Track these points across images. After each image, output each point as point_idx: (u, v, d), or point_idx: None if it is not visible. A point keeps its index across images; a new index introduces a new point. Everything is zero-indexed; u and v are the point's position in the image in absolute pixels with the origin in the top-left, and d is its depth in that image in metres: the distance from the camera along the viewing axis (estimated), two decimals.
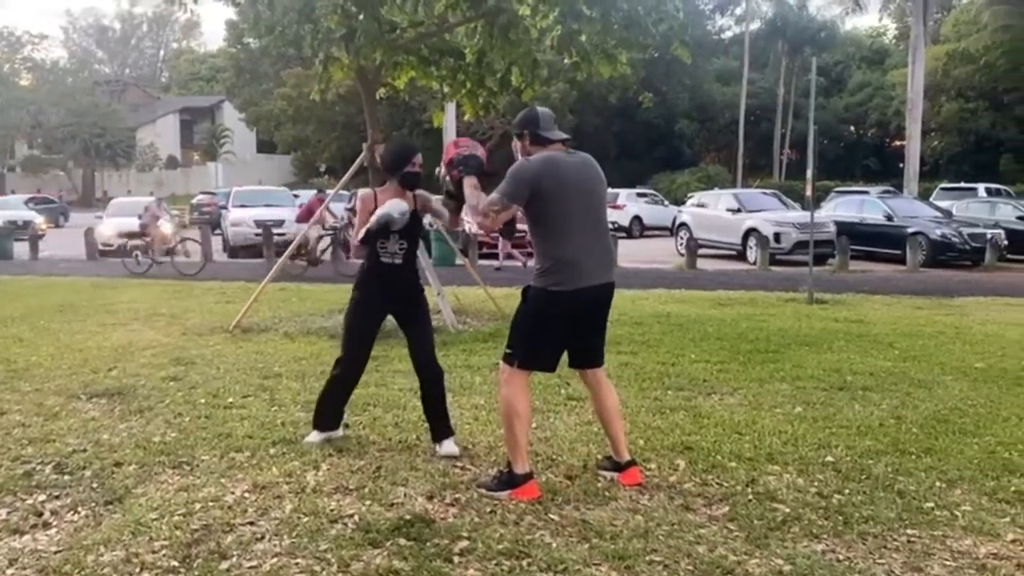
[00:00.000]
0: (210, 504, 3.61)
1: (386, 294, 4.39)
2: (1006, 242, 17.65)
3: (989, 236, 17.20)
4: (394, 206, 4.16)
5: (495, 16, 8.40)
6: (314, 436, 4.49)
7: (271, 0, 7.91)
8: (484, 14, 8.49)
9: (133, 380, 5.99)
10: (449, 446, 4.31)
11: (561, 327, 3.76)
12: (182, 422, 4.90)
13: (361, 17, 7.74)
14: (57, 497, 3.74)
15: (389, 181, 4.39)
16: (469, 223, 16.74)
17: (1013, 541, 3.29)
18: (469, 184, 3.87)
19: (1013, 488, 3.85)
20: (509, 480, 3.75)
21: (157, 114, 61.89)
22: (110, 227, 19.74)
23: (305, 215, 15.36)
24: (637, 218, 27.87)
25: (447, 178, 3.97)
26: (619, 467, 3.94)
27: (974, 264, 17.04)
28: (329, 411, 4.53)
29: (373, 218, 4.16)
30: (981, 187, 27.97)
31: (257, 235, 18.45)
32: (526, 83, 9.08)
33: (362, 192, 4.45)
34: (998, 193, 27.28)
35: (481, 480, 3.90)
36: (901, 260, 16.93)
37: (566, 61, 8.94)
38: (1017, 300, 11.35)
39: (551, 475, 4.00)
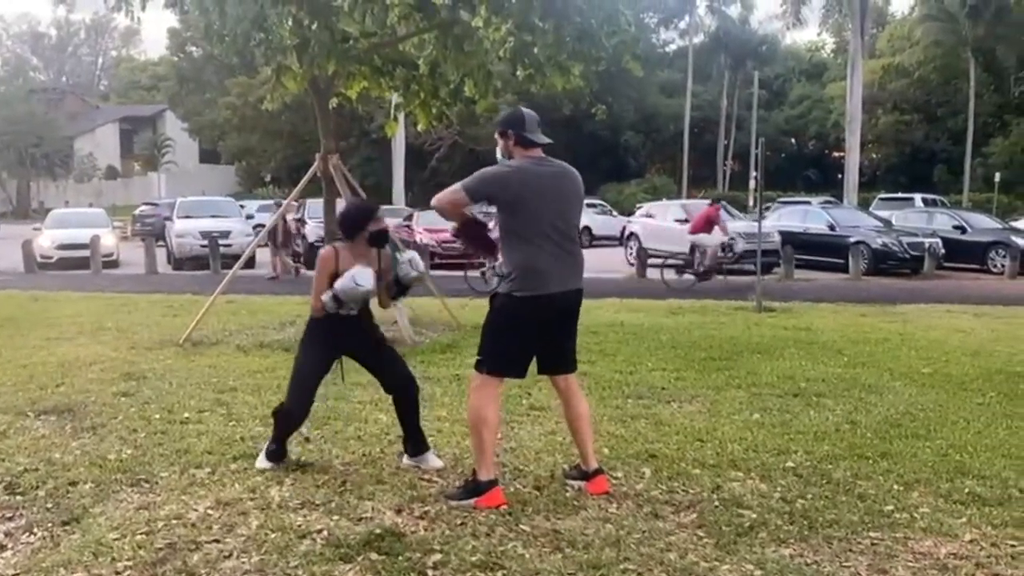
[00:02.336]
0: (173, 522, 3.52)
1: (338, 340, 4.27)
2: (943, 251, 18.20)
3: (927, 245, 17.72)
4: (361, 277, 3.99)
5: (448, 27, 8.41)
6: (262, 462, 4.29)
7: (222, 9, 7.79)
8: (437, 25, 8.50)
9: (83, 396, 5.82)
10: (433, 460, 4.29)
11: (528, 333, 3.76)
12: (137, 438, 4.78)
13: (314, 27, 7.67)
14: (10, 519, 3.61)
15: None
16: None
17: (971, 541, 3.39)
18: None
19: (967, 490, 3.97)
20: (474, 488, 3.75)
21: (96, 123, 60.43)
22: (49, 239, 19.22)
23: (702, 224, 14.81)
24: (587, 228, 28.02)
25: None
26: (586, 476, 3.95)
27: (913, 272, 17.55)
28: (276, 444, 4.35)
29: (337, 289, 4.01)
30: (918, 197, 28.88)
31: (203, 247, 18.12)
32: (479, 94, 9.10)
33: (322, 252, 4.22)
34: (934, 203, 28.18)
35: (448, 491, 3.88)
36: (844, 269, 17.34)
37: (519, 73, 8.99)
38: (957, 307, 11.72)
39: (519, 486, 4.00)
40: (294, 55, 8.16)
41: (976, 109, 38.44)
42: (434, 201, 3.80)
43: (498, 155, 3.91)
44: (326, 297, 4.05)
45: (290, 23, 7.80)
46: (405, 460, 4.30)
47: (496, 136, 3.91)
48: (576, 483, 3.96)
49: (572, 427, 4.03)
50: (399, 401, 4.32)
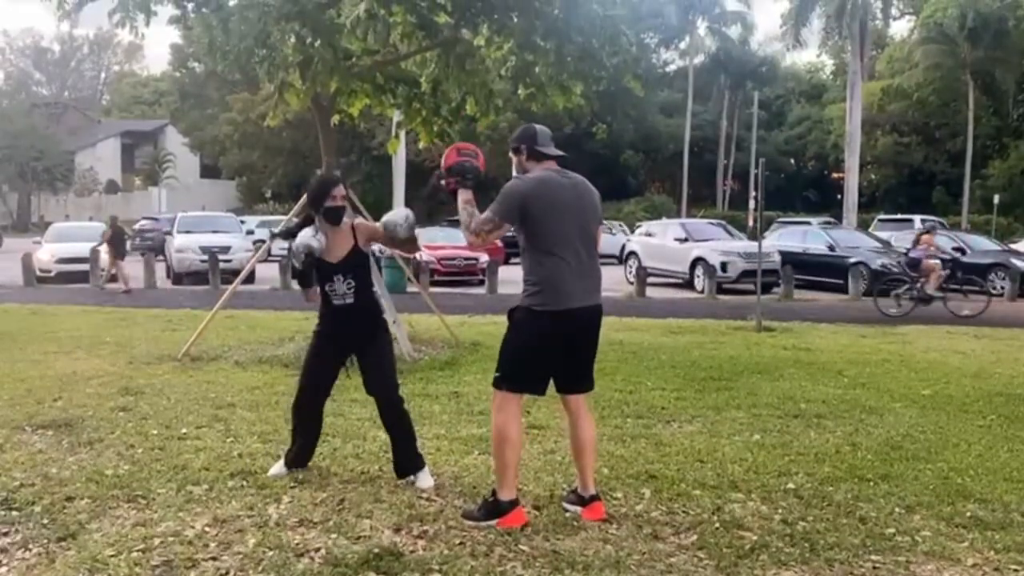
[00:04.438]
0: (170, 539, 3.50)
1: (341, 336, 4.30)
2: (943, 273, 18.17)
3: None
4: (304, 237, 4.10)
5: (451, 46, 8.45)
6: (277, 468, 4.39)
7: (226, 26, 7.82)
8: (440, 44, 8.54)
9: (80, 411, 5.80)
10: (424, 478, 4.24)
11: (548, 349, 3.70)
12: (135, 454, 4.75)
13: (317, 44, 7.71)
14: (5, 534, 3.58)
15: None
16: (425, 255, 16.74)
17: (973, 566, 3.37)
18: (463, 199, 3.79)
19: (969, 513, 3.94)
20: (495, 508, 3.68)
21: (97, 138, 60.58)
22: (48, 253, 19.22)
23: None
24: None
25: (442, 182, 3.87)
26: (583, 501, 3.88)
27: None
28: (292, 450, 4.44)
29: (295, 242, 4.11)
30: (917, 218, 28.91)
31: (203, 262, 18.13)
32: (481, 112, 9.14)
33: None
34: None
35: (466, 510, 3.82)
36: (843, 289, 17.34)
37: (520, 92, 9.03)
38: (955, 328, 11.71)
39: None
40: (297, 72, 8.21)
41: (975, 131, 38.59)
42: (471, 237, 3.71)
43: (514, 173, 3.88)
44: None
45: (293, 40, 7.84)
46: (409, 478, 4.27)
47: (510, 154, 3.88)
48: (574, 508, 3.89)
49: (574, 449, 3.96)
50: (379, 407, 4.30)
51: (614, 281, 19.96)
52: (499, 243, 23.45)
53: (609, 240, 28.53)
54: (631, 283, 18.68)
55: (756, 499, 4.11)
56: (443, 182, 3.88)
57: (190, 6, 8.09)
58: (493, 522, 3.64)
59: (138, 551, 3.36)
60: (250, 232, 24.84)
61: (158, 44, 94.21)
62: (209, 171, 57.87)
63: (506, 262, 21.20)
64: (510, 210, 3.65)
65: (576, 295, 3.68)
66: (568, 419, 3.98)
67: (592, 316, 3.81)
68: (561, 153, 3.85)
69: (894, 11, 45.80)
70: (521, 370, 3.72)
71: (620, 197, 45.26)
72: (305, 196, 4.33)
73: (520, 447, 3.87)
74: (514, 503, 3.70)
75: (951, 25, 37.57)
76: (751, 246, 15.51)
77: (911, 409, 6.23)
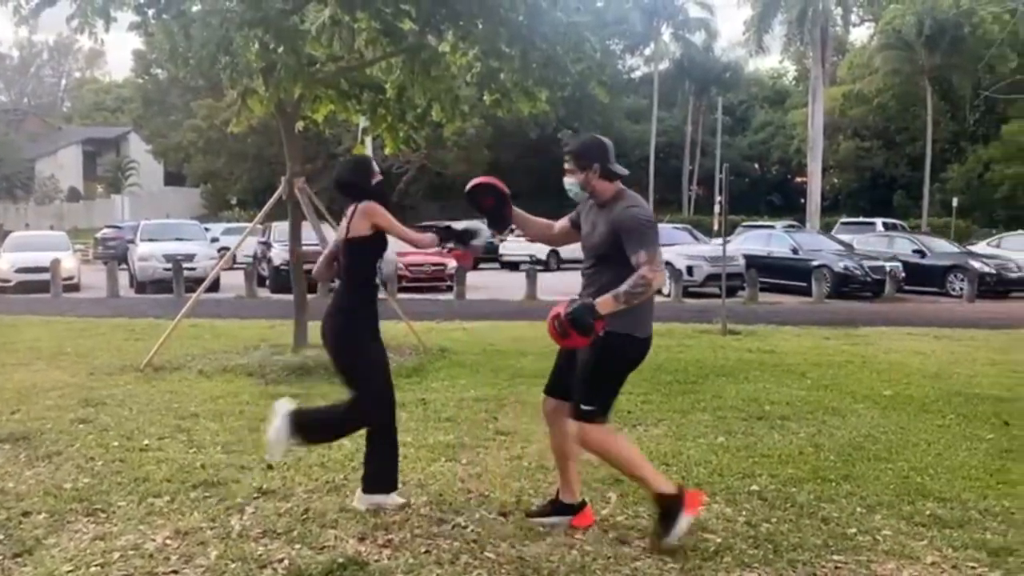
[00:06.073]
0: (130, 553, 3.44)
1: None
2: (903, 274, 18.52)
3: (888, 268, 18.03)
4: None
5: (416, 52, 8.44)
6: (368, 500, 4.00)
7: (187, 31, 7.75)
8: (405, 50, 8.53)
9: (39, 423, 5.68)
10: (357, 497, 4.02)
11: (628, 374, 3.61)
12: (95, 467, 4.67)
13: (281, 51, 7.66)
14: None
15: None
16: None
17: (932, 564, 3.42)
18: (607, 306, 3.37)
19: (928, 512, 4.01)
20: (672, 505, 3.49)
21: (58, 145, 59.58)
22: (7, 262, 18.89)
23: None
24: (554, 251, 28.16)
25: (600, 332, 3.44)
26: (574, 510, 3.77)
27: (875, 295, 17.83)
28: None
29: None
30: (879, 222, 29.40)
31: (167, 270, 17.91)
32: (446, 118, 9.14)
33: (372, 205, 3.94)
34: (895, 227, 28.71)
35: (652, 542, 3.54)
36: (807, 292, 17.56)
37: (486, 98, 9.04)
38: (917, 329, 11.90)
39: (484, 512, 3.97)
40: (260, 78, 8.16)
41: (934, 136, 39.29)
42: (662, 281, 3.60)
43: (569, 185, 3.65)
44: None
45: (256, 47, 7.78)
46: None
47: (570, 167, 3.63)
48: (553, 520, 3.77)
49: (561, 453, 3.81)
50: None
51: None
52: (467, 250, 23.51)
53: (577, 245, 28.66)
54: None
55: (720, 501, 4.14)
56: (595, 333, 3.44)
57: (151, 12, 8.00)
58: (680, 517, 3.46)
59: (96, 566, 3.31)
60: (215, 240, 24.56)
61: (120, 50, 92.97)
62: (173, 178, 57.15)
63: (475, 267, 21.24)
64: (657, 241, 3.50)
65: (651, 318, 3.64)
66: (553, 427, 3.82)
67: None
68: (627, 171, 3.69)
69: (854, 18, 46.56)
70: (612, 399, 3.60)
71: None
72: (342, 180, 4.09)
73: (634, 446, 3.80)
74: (680, 489, 3.56)
75: (909, 32, 38.24)
76: (716, 250, 15.66)
77: (873, 410, 6.32)
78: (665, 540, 3.47)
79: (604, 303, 3.37)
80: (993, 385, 7.45)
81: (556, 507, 3.83)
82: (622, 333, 3.46)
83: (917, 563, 3.42)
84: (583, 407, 3.50)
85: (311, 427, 3.89)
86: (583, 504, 3.82)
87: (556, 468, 3.95)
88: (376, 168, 4.07)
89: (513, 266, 23.31)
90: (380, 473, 3.98)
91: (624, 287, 3.37)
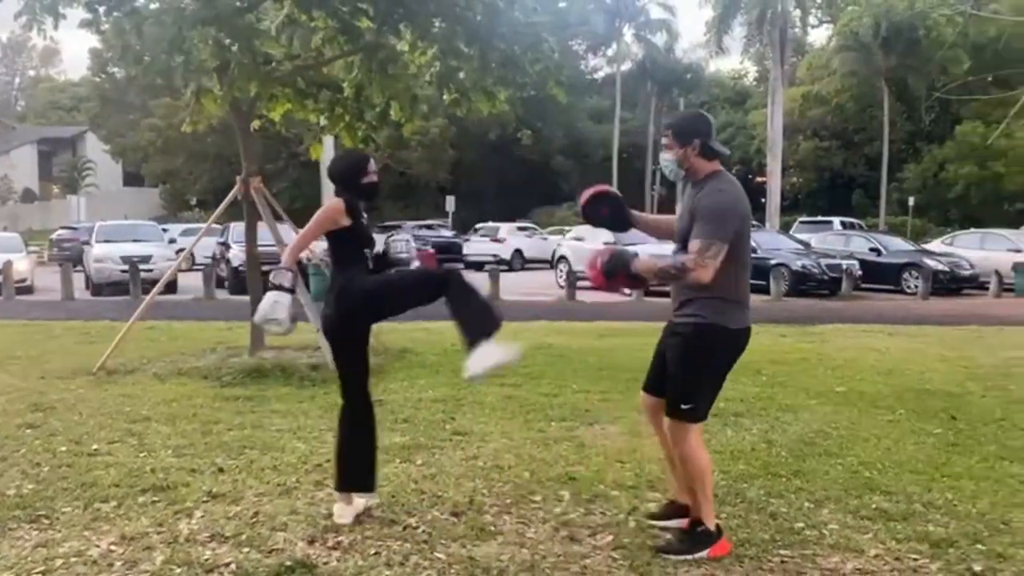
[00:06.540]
0: (72, 560, 3.38)
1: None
2: (860, 272, 18.82)
3: (845, 267, 18.31)
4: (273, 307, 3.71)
5: (373, 51, 8.39)
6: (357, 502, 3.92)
7: (139, 29, 7.62)
8: (362, 49, 8.48)
9: None
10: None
11: (726, 368, 3.49)
12: (40, 472, 4.58)
13: (235, 49, 7.58)
14: None
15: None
16: None
17: (876, 556, 3.48)
18: (644, 267, 3.39)
19: (874, 505, 4.08)
20: (706, 538, 3.43)
21: (12, 145, 58.32)
22: None
23: None
24: (518, 251, 28.24)
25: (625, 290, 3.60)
26: (690, 511, 3.60)
27: (831, 293, 18.09)
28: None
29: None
30: (836, 221, 29.88)
31: (123, 271, 17.60)
32: (406, 118, 9.10)
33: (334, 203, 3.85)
34: (852, 226, 29.20)
35: (664, 546, 3.48)
36: (765, 290, 17.75)
37: (445, 98, 9.02)
38: (872, 326, 12.11)
39: (436, 513, 3.96)
40: (214, 77, 8.05)
41: (890, 136, 39.97)
42: (698, 273, 3.24)
43: (665, 162, 3.48)
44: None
45: (210, 45, 7.68)
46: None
47: (668, 142, 3.45)
48: (665, 523, 3.68)
49: (672, 460, 3.69)
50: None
51: (545, 285, 20.13)
52: (431, 249, 23.43)
53: (541, 245, 28.75)
54: (562, 287, 18.81)
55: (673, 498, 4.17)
56: (622, 286, 3.51)
57: (102, 9, 7.86)
58: (704, 553, 3.39)
59: (38, 573, 3.25)
60: (172, 241, 24.20)
61: (77, 48, 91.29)
62: (132, 178, 56.28)
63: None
64: (733, 230, 3.30)
65: (749, 310, 3.49)
66: (657, 429, 3.71)
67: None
68: (728, 151, 3.51)
69: (813, 19, 47.13)
70: (710, 396, 3.48)
71: (552, 203, 45.60)
72: (336, 175, 3.97)
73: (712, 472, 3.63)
74: (720, 530, 3.49)
75: (866, 33, 38.85)
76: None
77: (825, 406, 6.41)
78: (672, 555, 3.42)
79: (643, 262, 3.36)
80: (943, 380, 7.61)
81: (675, 509, 3.72)
82: (707, 323, 3.35)
83: (861, 556, 3.48)
84: (681, 406, 3.41)
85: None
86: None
87: (670, 470, 3.80)
88: (372, 168, 3.98)
89: (478, 266, 23.33)
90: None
91: (665, 263, 3.33)
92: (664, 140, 3.49)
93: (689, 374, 3.40)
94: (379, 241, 4.02)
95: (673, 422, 3.44)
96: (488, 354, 3.45)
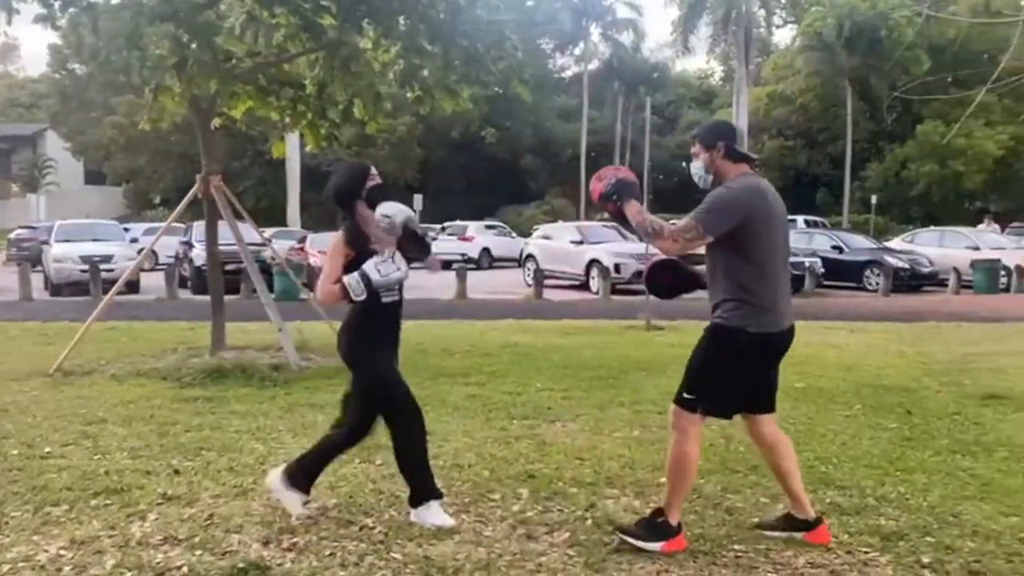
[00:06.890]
0: (20, 565, 3.32)
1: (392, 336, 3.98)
2: (822, 270, 19.06)
3: (807, 264, 18.52)
4: (396, 206, 3.77)
5: (336, 48, 8.33)
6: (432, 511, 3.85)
7: (95, 24, 7.49)
8: (325, 46, 8.41)
9: None
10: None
11: (750, 373, 3.50)
12: None
13: (194, 46, 7.48)
14: None
15: (349, 213, 3.83)
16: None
17: (828, 550, 3.53)
18: (634, 211, 3.51)
19: (828, 499, 4.14)
20: (665, 529, 3.47)
21: None
22: None
23: None
24: (486, 250, 28.22)
25: (607, 209, 3.63)
26: (808, 526, 3.61)
27: (794, 290, 18.20)
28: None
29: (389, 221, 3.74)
30: (800, 219, 30.19)
31: (83, 271, 17.32)
32: (369, 116, 9.05)
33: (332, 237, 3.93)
34: (815, 224, 29.53)
35: (624, 526, 3.58)
36: None
37: (408, 95, 8.99)
38: (833, 323, 12.26)
39: (393, 512, 3.94)
40: (173, 74, 7.94)
41: (853, 135, 40.55)
42: (666, 243, 3.37)
43: (695, 169, 3.57)
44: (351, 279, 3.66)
45: (168, 41, 7.57)
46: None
47: (695, 149, 3.55)
48: (777, 534, 3.64)
49: (779, 471, 3.67)
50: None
51: (513, 284, 20.13)
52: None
53: (509, 243, 28.76)
54: (529, 285, 18.84)
55: (630, 494, 4.21)
56: (607, 208, 3.60)
57: (57, 4, 7.72)
58: (658, 545, 3.44)
59: None
60: (134, 240, 23.84)
61: (36, 44, 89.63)
62: (94, 177, 55.32)
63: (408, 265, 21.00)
64: (720, 223, 3.32)
65: (783, 315, 3.46)
66: (763, 446, 3.71)
67: (791, 336, 3.55)
68: (756, 156, 3.61)
69: (777, 19, 47.77)
70: (720, 394, 3.50)
71: (520, 201, 45.62)
72: (335, 186, 3.88)
73: (695, 473, 3.69)
74: (679, 528, 3.52)
75: (830, 34, 39.37)
76: (643, 247, 15.88)
77: (784, 402, 6.40)
78: (628, 536, 3.50)
79: (634, 207, 3.52)
80: (901, 376, 7.73)
81: (790, 522, 3.68)
82: (727, 325, 3.40)
83: (813, 550, 3.52)
84: (684, 394, 3.50)
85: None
86: (819, 520, 3.63)
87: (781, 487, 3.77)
88: (373, 173, 3.93)
89: (445, 264, 23.27)
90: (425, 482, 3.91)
91: (647, 219, 3.50)
92: (692, 149, 3.60)
93: (697, 366, 3.52)
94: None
95: (674, 407, 3.54)
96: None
